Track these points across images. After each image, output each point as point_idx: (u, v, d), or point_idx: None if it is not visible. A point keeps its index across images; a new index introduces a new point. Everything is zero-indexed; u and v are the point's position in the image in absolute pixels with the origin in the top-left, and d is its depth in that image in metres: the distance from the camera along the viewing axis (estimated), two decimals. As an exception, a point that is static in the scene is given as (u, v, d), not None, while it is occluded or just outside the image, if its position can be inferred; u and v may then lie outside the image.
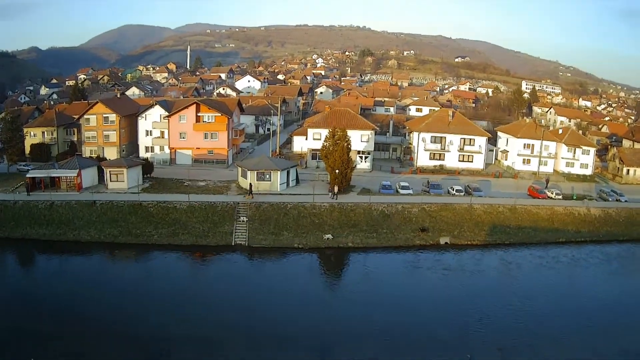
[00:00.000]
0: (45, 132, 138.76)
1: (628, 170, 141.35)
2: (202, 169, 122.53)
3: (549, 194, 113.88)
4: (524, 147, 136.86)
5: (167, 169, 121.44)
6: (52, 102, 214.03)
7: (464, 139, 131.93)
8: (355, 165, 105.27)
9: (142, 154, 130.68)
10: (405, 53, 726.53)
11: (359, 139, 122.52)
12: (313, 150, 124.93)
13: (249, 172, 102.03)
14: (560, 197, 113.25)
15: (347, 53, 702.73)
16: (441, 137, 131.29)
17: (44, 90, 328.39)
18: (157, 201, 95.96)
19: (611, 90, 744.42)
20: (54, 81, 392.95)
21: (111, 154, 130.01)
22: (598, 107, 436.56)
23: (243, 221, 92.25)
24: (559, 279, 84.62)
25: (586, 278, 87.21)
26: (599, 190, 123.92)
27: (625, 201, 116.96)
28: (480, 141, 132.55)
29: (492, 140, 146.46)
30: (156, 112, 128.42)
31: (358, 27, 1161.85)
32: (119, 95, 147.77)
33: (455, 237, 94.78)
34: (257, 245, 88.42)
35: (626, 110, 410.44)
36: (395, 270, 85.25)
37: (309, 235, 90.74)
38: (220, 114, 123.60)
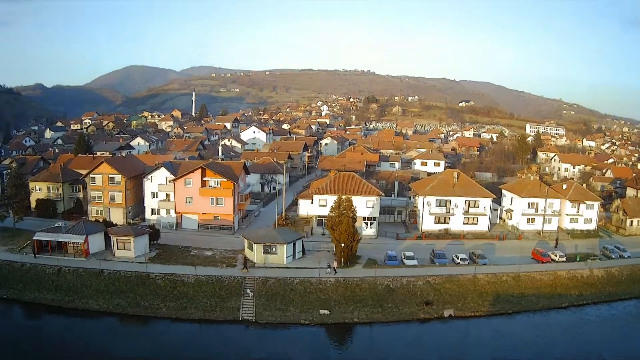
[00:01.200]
0: (51, 188, 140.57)
1: (632, 221, 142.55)
2: (208, 235, 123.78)
3: (553, 256, 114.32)
4: (529, 207, 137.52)
5: (173, 234, 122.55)
6: (56, 150, 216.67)
7: (469, 201, 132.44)
8: (361, 237, 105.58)
9: (148, 216, 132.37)
10: (409, 99, 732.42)
11: (365, 205, 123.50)
12: (319, 217, 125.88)
13: (255, 245, 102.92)
14: (563, 259, 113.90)
15: (351, 99, 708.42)
16: (446, 200, 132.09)
17: (48, 134, 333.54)
18: (165, 273, 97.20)
19: (615, 127, 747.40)
20: (59, 124, 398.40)
21: (117, 215, 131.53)
22: (602, 147, 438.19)
23: (250, 296, 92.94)
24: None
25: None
26: (602, 247, 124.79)
27: (628, 256, 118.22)
28: (485, 202, 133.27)
29: (497, 199, 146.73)
30: (162, 175, 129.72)
31: (362, 72, 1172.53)
32: (124, 155, 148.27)
33: (459, 309, 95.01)
34: (264, 321, 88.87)
35: (630, 148, 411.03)
36: (399, 345, 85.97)
37: (315, 311, 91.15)
38: (225, 180, 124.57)
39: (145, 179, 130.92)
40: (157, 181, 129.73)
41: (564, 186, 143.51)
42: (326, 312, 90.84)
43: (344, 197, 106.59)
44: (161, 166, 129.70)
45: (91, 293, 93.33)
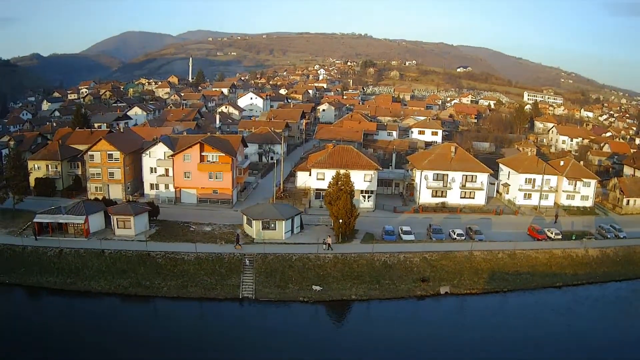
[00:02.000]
0: (50, 166, 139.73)
1: (628, 200, 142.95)
2: (207, 209, 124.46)
3: (549, 234, 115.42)
4: (526, 182, 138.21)
5: (173, 209, 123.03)
6: (54, 124, 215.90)
7: (466, 175, 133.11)
8: (359, 213, 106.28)
9: (147, 191, 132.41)
10: (407, 63, 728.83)
11: (362, 179, 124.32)
12: (317, 190, 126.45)
13: (254, 221, 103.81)
14: (559, 237, 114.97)
15: (349, 63, 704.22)
16: (443, 174, 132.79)
17: (45, 106, 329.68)
18: (165, 251, 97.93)
19: (613, 98, 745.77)
20: (56, 94, 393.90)
21: (116, 191, 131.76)
22: (600, 118, 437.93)
23: (247, 265, 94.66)
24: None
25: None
26: (598, 225, 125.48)
27: (624, 237, 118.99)
28: (482, 177, 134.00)
29: (494, 172, 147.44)
30: (160, 150, 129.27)
31: (360, 35, 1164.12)
32: (122, 130, 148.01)
33: (454, 286, 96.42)
34: (264, 299, 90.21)
35: (628, 120, 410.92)
36: (396, 322, 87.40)
37: (312, 288, 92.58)
38: (224, 154, 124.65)
39: (143, 155, 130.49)
40: (155, 156, 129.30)
41: (562, 162, 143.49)
42: (319, 288, 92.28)
43: (342, 172, 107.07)
44: (159, 141, 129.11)
45: (93, 274, 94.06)
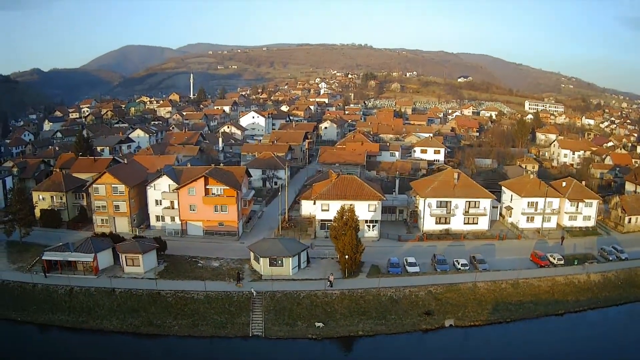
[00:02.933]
0: (54, 197, 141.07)
1: (630, 219, 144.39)
2: (213, 241, 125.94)
3: (551, 259, 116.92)
4: (528, 206, 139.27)
5: (179, 242, 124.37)
6: (56, 148, 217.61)
7: (469, 202, 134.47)
8: (364, 248, 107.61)
9: (153, 222, 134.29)
10: (407, 74, 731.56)
11: (367, 209, 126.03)
12: (322, 220, 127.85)
13: (261, 258, 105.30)
14: (562, 262, 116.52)
15: (349, 76, 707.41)
16: (447, 201, 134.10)
17: (47, 126, 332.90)
18: (175, 290, 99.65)
19: (614, 102, 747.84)
20: (57, 113, 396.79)
21: (122, 224, 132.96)
22: (601, 125, 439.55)
23: (259, 312, 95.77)
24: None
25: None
26: (600, 248, 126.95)
27: (626, 258, 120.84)
28: (485, 203, 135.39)
29: (497, 192, 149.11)
30: (164, 182, 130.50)
31: (360, 46, 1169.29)
32: (126, 161, 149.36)
33: (459, 318, 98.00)
34: (274, 336, 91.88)
35: (629, 127, 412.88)
36: (402, 356, 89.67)
37: (322, 324, 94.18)
38: (228, 187, 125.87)
39: (148, 187, 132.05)
40: (160, 189, 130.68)
41: (563, 184, 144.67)
42: (321, 324, 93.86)
43: (347, 207, 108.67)
44: (163, 174, 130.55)
45: (104, 313, 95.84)
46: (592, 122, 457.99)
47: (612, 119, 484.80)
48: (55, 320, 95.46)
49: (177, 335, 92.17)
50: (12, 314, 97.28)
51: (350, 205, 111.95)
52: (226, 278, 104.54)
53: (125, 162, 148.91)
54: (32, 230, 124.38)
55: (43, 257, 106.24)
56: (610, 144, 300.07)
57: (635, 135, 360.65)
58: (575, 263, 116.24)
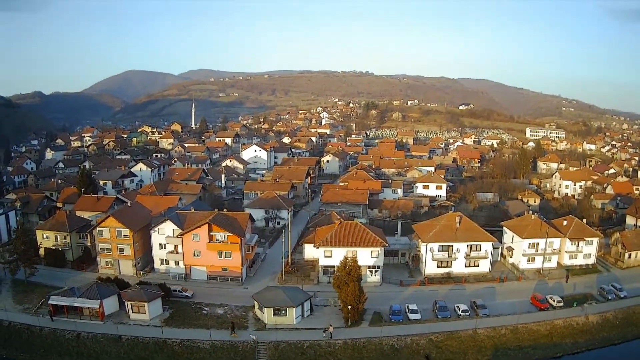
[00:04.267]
0: (58, 236, 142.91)
1: (630, 254, 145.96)
2: (217, 287, 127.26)
3: (551, 301, 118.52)
4: (529, 247, 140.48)
5: (184, 286, 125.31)
6: (59, 181, 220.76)
7: (471, 245, 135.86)
8: (367, 298, 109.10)
9: (157, 265, 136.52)
10: (409, 103, 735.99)
11: (369, 255, 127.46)
12: (324, 266, 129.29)
13: (265, 308, 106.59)
14: (561, 304, 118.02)
15: (351, 105, 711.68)
16: (449, 245, 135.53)
17: (49, 154, 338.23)
18: (181, 339, 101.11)
19: (614, 123, 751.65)
20: (59, 141, 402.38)
21: (127, 267, 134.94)
22: (602, 150, 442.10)
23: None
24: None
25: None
26: (599, 287, 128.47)
27: (625, 296, 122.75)
28: (487, 246, 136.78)
29: (498, 231, 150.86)
30: (168, 227, 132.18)
31: (361, 73, 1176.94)
32: (129, 204, 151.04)
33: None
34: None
35: (630, 150, 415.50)
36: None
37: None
38: (232, 234, 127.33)
39: (152, 231, 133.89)
40: (164, 233, 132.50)
41: (564, 222, 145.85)
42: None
43: (349, 257, 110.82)
44: (167, 219, 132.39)
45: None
46: (593, 147, 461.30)
47: (613, 142, 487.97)
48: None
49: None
50: (20, 356, 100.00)
51: (353, 254, 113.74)
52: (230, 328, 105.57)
53: (129, 204, 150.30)
54: (37, 271, 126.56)
55: (49, 302, 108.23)
56: (611, 170, 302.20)
57: (637, 159, 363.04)
58: (574, 305, 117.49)
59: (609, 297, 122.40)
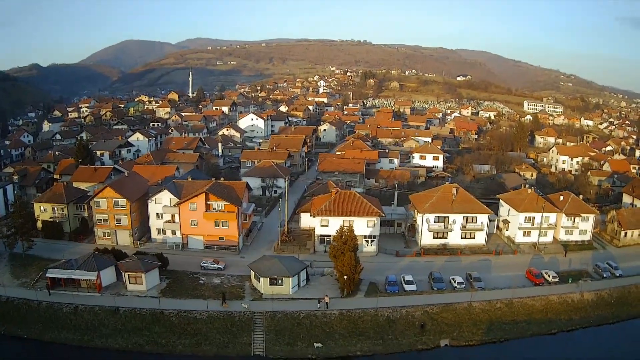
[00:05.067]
0: (56, 208, 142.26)
1: (626, 233, 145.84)
2: (214, 255, 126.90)
3: (546, 276, 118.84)
4: (525, 221, 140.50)
5: (180, 257, 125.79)
6: (56, 153, 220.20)
7: (467, 217, 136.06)
8: (362, 268, 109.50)
9: (154, 235, 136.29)
10: (406, 72, 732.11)
11: (365, 225, 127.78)
12: (321, 235, 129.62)
13: (261, 278, 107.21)
14: (556, 279, 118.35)
15: (348, 74, 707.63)
16: (445, 217, 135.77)
17: (46, 126, 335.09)
18: (178, 310, 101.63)
19: (613, 101, 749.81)
20: (56, 113, 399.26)
21: (124, 237, 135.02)
22: (600, 126, 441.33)
23: (260, 332, 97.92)
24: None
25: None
26: (594, 264, 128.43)
27: (620, 274, 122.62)
28: (483, 218, 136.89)
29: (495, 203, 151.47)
30: (165, 197, 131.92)
31: (359, 42, 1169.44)
32: (127, 174, 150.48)
33: (454, 338, 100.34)
34: (274, 356, 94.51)
35: (628, 128, 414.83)
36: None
37: (321, 345, 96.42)
38: (229, 203, 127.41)
39: (149, 201, 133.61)
40: (161, 203, 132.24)
41: (561, 197, 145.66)
42: (319, 345, 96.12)
43: (346, 226, 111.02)
44: (164, 188, 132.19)
45: (109, 332, 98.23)
46: (590, 123, 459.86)
47: (611, 119, 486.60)
48: (62, 338, 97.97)
49: (181, 354, 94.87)
50: (18, 331, 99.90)
51: (350, 223, 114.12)
52: (226, 299, 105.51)
53: (127, 174, 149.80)
54: (35, 244, 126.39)
55: (47, 275, 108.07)
56: (609, 148, 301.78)
57: (634, 137, 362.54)
58: (570, 281, 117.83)
59: (604, 275, 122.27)
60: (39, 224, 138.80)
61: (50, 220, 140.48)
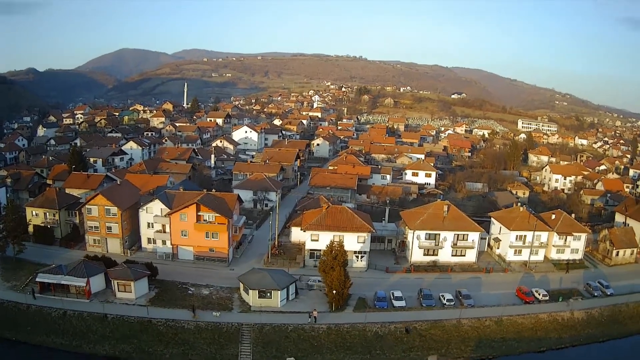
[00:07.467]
0: (47, 214, 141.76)
1: (617, 252, 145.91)
2: (204, 267, 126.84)
3: (537, 295, 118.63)
4: (516, 239, 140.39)
5: (170, 267, 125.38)
6: (50, 158, 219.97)
7: (458, 234, 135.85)
8: (352, 283, 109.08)
9: (145, 244, 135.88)
10: (401, 89, 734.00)
11: (356, 241, 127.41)
12: (311, 250, 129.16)
13: (250, 290, 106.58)
14: (547, 298, 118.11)
15: (343, 89, 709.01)
16: (435, 234, 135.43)
17: (41, 131, 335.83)
18: (166, 319, 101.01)
19: (607, 120, 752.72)
20: (52, 118, 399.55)
21: (114, 245, 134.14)
22: (594, 145, 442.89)
23: (247, 344, 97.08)
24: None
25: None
26: (585, 283, 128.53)
27: (611, 293, 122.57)
28: (474, 236, 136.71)
29: (486, 221, 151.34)
30: (157, 206, 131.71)
31: (354, 57, 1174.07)
32: (119, 182, 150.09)
33: (442, 355, 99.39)
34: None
35: (622, 147, 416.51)
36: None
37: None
38: (220, 215, 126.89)
39: (140, 210, 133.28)
40: (152, 212, 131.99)
41: (553, 216, 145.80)
42: (292, 359, 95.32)
43: (336, 242, 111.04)
44: (156, 198, 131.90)
45: (97, 338, 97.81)
46: (585, 142, 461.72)
47: (606, 139, 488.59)
48: (50, 342, 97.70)
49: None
50: (6, 334, 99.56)
51: (340, 238, 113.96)
52: (215, 306, 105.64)
53: (119, 182, 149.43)
54: (25, 248, 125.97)
55: (37, 279, 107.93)
56: (602, 167, 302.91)
57: (628, 156, 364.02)
58: (560, 299, 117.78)
59: (595, 294, 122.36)
60: (31, 229, 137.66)
61: (42, 225, 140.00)
